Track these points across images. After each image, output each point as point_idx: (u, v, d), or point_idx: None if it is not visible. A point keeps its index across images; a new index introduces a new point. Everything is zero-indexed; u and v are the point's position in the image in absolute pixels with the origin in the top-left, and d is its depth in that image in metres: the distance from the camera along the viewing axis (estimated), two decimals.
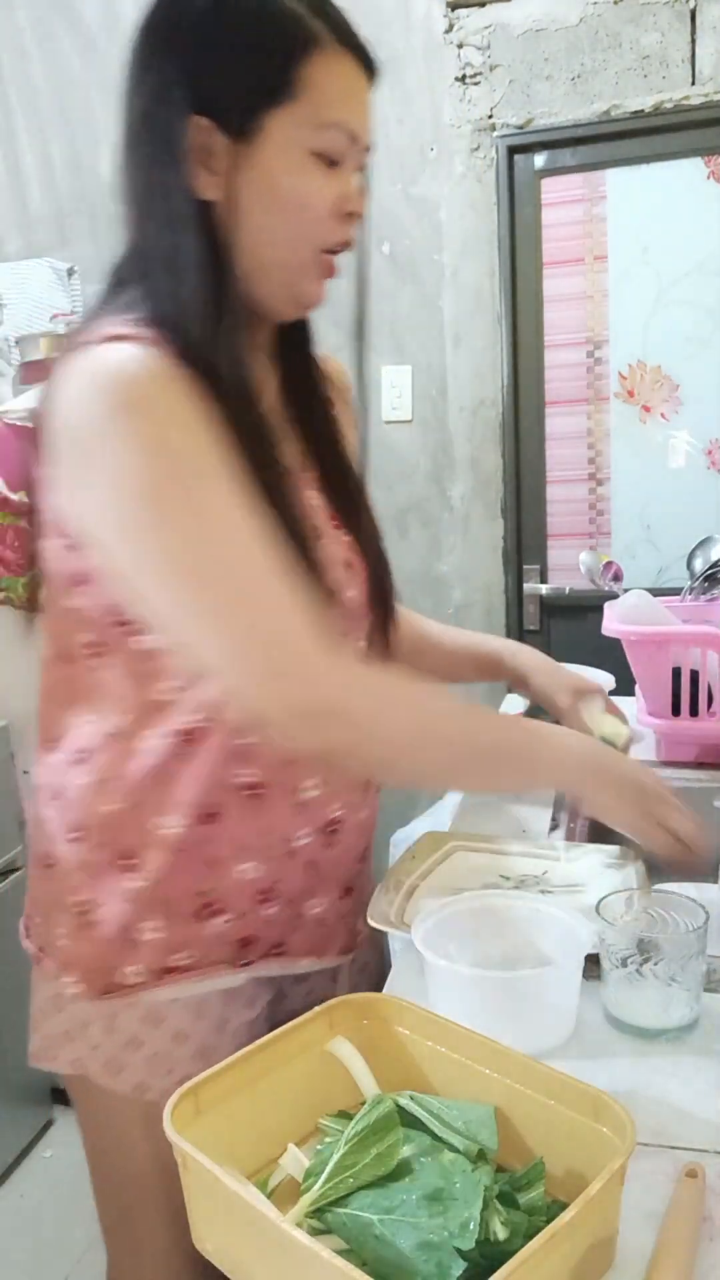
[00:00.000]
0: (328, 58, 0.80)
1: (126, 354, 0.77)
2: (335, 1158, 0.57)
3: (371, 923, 0.89)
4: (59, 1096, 2.20)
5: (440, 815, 1.37)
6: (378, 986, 0.89)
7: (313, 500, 0.94)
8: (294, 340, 0.96)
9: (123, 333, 0.79)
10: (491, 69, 2.21)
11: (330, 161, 0.82)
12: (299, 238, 0.83)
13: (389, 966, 0.99)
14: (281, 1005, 0.98)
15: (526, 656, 1.17)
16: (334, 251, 0.86)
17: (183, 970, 0.90)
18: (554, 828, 1.16)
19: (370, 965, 1.05)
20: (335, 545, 0.94)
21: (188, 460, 0.77)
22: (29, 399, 1.94)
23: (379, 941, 1.07)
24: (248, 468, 0.81)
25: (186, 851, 0.88)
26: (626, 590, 1.45)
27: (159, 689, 0.85)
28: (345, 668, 0.81)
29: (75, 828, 0.91)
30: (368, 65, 0.84)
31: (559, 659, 1.17)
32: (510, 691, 1.28)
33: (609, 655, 1.42)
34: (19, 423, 1.90)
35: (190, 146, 0.79)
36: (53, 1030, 0.94)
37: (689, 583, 1.53)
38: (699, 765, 1.35)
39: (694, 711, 1.32)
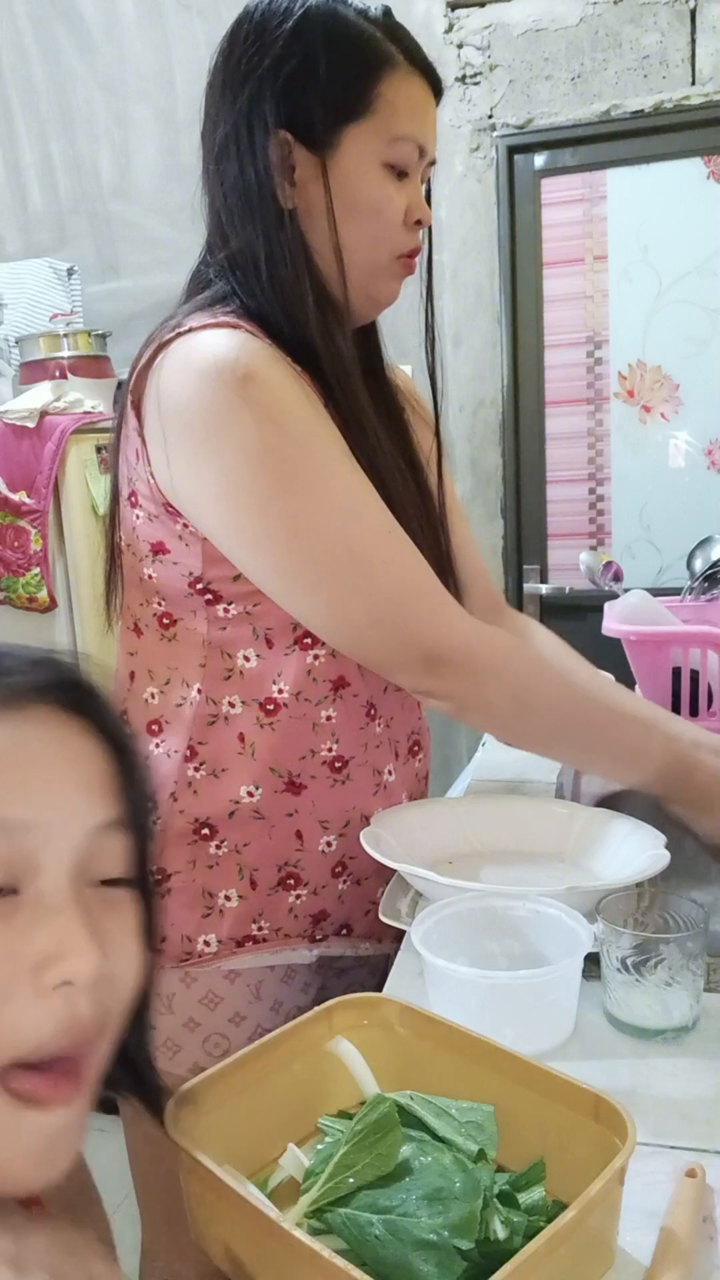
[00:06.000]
0: (400, 77, 0.86)
1: (231, 337, 0.83)
2: (335, 1158, 0.57)
3: (383, 918, 0.89)
4: None
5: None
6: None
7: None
8: (366, 353, 1.01)
9: (221, 321, 0.84)
10: (491, 69, 2.21)
11: (400, 173, 0.88)
12: (375, 243, 0.89)
13: None
14: (322, 998, 1.01)
15: None
16: (408, 256, 0.92)
17: (259, 941, 0.93)
18: None
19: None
20: None
21: (302, 427, 0.82)
22: (29, 399, 1.94)
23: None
24: (355, 453, 0.86)
25: (269, 820, 0.91)
26: (626, 590, 1.45)
27: (231, 659, 0.89)
28: (469, 619, 0.87)
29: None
30: (434, 84, 0.90)
31: None
32: None
33: (609, 655, 1.42)
34: (19, 423, 1.90)
35: (274, 159, 0.85)
36: None
37: (689, 583, 1.53)
38: None
39: (694, 711, 1.32)
